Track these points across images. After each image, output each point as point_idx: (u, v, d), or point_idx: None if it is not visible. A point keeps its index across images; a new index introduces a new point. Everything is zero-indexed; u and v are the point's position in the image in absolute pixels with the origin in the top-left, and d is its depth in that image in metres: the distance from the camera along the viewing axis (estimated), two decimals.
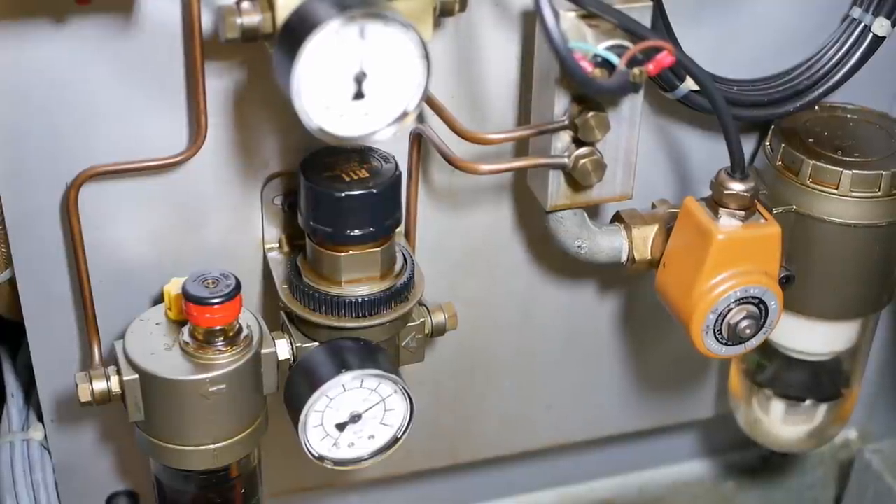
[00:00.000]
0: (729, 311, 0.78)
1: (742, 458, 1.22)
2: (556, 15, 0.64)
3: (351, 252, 0.76)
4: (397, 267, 0.79)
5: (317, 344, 0.78)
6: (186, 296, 0.72)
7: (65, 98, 0.74)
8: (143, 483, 0.93)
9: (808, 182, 0.85)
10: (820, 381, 0.98)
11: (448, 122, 0.77)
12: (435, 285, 0.87)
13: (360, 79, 0.64)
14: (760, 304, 0.78)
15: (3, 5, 0.69)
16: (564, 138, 0.76)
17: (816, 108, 0.89)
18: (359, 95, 0.64)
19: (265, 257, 0.83)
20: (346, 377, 0.74)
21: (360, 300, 0.76)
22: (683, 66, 0.71)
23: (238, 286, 0.73)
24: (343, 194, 0.73)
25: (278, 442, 0.83)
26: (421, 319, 0.82)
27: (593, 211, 0.87)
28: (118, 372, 0.75)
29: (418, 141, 0.82)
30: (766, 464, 1.22)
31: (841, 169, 0.83)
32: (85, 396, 0.75)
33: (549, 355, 1.01)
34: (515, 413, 1.03)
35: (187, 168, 0.78)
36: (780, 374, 0.97)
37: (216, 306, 0.72)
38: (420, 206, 0.85)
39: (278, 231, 0.83)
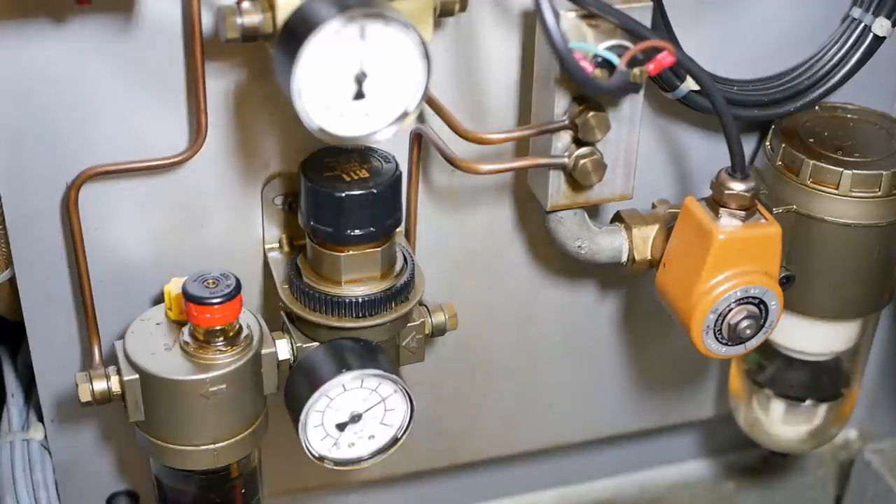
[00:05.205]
0: (729, 311, 0.78)
1: (742, 458, 1.22)
2: (557, 15, 0.64)
3: (351, 252, 0.76)
4: (397, 267, 0.79)
5: (317, 344, 0.78)
6: (187, 296, 0.72)
7: (65, 98, 0.74)
8: (143, 483, 0.93)
9: (809, 182, 0.85)
10: (820, 381, 0.98)
11: (448, 122, 0.77)
12: (435, 285, 0.87)
13: (360, 79, 0.64)
14: (760, 304, 0.78)
15: (3, 5, 0.69)
16: (564, 138, 0.76)
17: (816, 108, 0.89)
18: (359, 95, 0.64)
19: (265, 257, 0.83)
20: (347, 377, 0.74)
21: (360, 300, 0.76)
22: (684, 66, 0.71)
23: (238, 286, 0.73)
24: (343, 194, 0.73)
25: (278, 442, 0.83)
26: (421, 319, 0.82)
27: (593, 211, 0.87)
28: (118, 372, 0.75)
29: (418, 141, 0.82)
30: (766, 464, 1.22)
31: (841, 169, 0.83)
32: (85, 396, 0.75)
33: (549, 355, 1.01)
34: (515, 413, 1.03)
35: (187, 168, 0.78)
36: (780, 374, 0.97)
37: (216, 306, 0.72)
38: (420, 206, 0.85)
39: (278, 231, 0.83)
